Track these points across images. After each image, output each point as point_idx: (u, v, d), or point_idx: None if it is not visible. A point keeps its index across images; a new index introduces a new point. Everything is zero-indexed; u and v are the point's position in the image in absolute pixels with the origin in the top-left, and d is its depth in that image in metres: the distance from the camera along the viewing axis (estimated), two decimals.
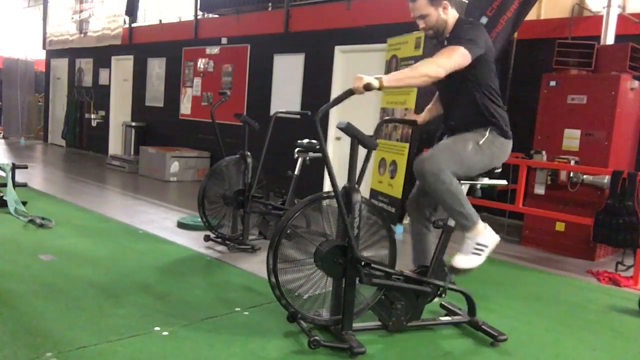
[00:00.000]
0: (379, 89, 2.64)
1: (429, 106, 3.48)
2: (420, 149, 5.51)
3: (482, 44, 2.85)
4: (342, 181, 2.74)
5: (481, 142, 2.94)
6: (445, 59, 2.74)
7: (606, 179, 4.88)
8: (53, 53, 14.53)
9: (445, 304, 3.36)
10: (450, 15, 2.94)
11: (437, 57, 2.76)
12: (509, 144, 3.04)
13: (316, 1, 8.24)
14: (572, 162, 5.23)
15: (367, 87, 2.61)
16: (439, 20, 2.92)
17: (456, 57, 2.75)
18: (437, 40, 3.06)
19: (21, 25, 19.52)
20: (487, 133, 2.95)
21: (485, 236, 2.97)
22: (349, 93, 2.66)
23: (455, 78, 2.85)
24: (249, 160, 4.79)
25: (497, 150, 2.99)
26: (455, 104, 3.06)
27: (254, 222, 4.99)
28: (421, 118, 3.47)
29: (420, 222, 3.26)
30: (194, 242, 4.93)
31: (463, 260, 2.96)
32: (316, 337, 2.75)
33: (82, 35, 13.00)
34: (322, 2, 8.14)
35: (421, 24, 2.96)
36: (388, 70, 6.41)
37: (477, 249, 2.95)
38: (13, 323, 2.88)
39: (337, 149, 7.60)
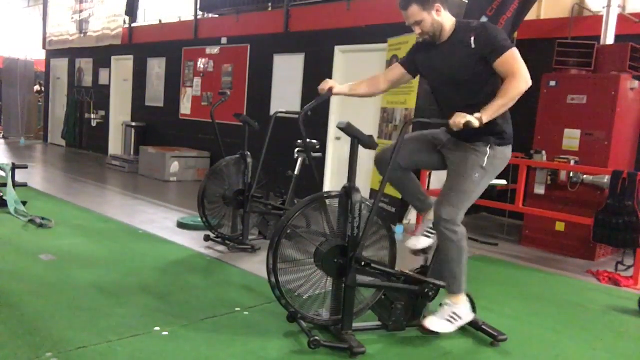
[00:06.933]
0: (479, 126, 2.67)
1: (356, 83, 3.32)
2: None
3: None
4: (343, 181, 2.74)
5: (485, 164, 2.92)
6: (521, 67, 2.73)
7: (606, 179, 4.88)
8: (53, 53, 14.52)
9: None
10: (445, 17, 2.89)
11: (514, 70, 2.72)
12: (509, 148, 3.02)
13: (316, 1, 8.23)
14: (572, 162, 5.22)
15: (467, 125, 2.66)
16: (434, 24, 2.88)
17: (521, 58, 2.77)
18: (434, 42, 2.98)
19: (21, 25, 19.52)
20: (488, 150, 2.92)
21: (463, 309, 3.01)
22: (446, 127, 2.80)
23: (473, 81, 2.84)
24: (249, 160, 4.79)
25: (498, 161, 2.99)
26: (466, 107, 2.84)
27: (254, 222, 4.99)
28: (337, 89, 3.32)
29: (396, 171, 3.12)
30: (194, 242, 4.92)
31: (435, 322, 2.99)
32: (316, 337, 2.75)
33: (82, 35, 13.00)
34: (322, 2, 8.13)
35: (417, 30, 2.91)
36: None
37: (452, 317, 2.99)
38: (13, 323, 2.88)
39: (337, 148, 7.60)
